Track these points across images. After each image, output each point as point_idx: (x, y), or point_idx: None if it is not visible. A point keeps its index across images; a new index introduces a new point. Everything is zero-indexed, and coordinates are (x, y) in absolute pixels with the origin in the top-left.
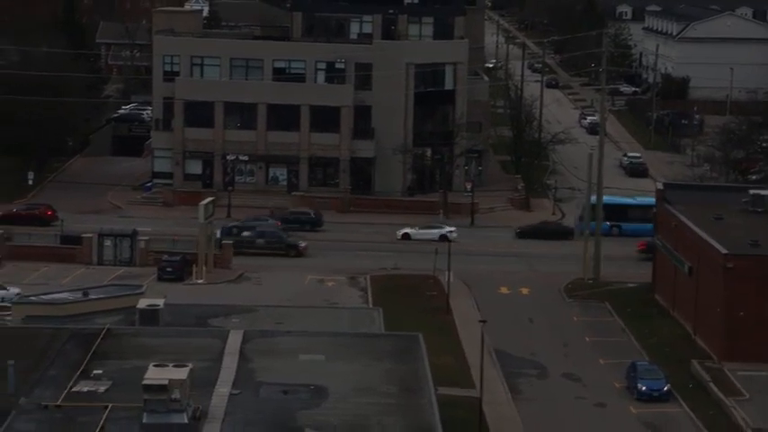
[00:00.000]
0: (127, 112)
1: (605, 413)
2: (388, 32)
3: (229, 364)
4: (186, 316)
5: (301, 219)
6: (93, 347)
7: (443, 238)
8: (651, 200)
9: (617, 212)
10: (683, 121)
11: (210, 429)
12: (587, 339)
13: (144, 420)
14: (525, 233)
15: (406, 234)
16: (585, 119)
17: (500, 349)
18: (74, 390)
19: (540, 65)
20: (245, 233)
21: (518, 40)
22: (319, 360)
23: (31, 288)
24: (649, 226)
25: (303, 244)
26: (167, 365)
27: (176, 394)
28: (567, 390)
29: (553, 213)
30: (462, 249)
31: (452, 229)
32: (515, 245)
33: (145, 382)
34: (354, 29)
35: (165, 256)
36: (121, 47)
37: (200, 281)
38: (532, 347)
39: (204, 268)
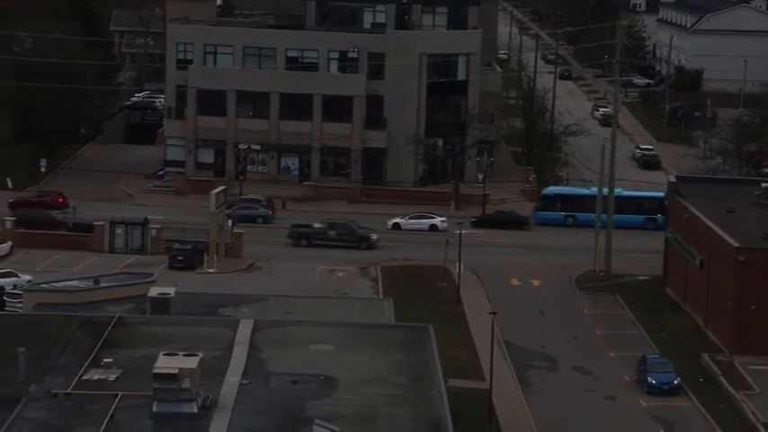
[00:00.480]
0: (140, 99)
1: (615, 406)
2: (402, 22)
3: (239, 354)
4: (197, 305)
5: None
6: (104, 336)
7: (433, 227)
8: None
9: (572, 202)
10: (696, 114)
11: (220, 419)
12: (598, 332)
13: (154, 409)
14: (480, 222)
15: (396, 224)
16: (598, 110)
17: (510, 341)
18: (84, 378)
19: (554, 56)
20: (317, 224)
21: (531, 31)
22: (329, 350)
23: (42, 275)
24: (603, 216)
25: (375, 236)
26: (178, 354)
27: (186, 383)
28: (577, 382)
29: None
30: (472, 240)
31: (443, 219)
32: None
33: (155, 370)
34: (368, 18)
35: (177, 245)
36: (135, 35)
37: (211, 270)
38: (543, 340)
39: (215, 257)
